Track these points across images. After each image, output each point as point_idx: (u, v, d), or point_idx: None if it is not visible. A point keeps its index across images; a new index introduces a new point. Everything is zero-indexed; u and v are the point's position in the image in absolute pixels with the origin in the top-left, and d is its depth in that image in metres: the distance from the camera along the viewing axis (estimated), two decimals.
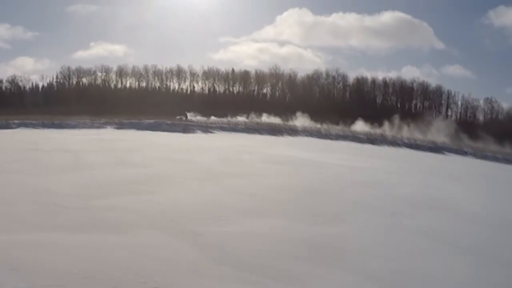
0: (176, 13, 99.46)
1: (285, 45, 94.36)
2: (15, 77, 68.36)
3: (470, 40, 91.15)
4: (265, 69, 75.09)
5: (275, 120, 46.83)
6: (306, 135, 31.45)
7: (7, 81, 68.06)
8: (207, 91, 74.67)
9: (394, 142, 33.93)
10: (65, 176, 9.45)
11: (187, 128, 27.37)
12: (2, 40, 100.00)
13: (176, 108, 53.46)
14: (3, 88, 68.01)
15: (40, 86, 70.63)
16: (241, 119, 46.32)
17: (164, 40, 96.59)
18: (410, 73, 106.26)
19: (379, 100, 78.93)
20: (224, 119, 44.66)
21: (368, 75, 76.86)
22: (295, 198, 8.72)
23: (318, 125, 39.68)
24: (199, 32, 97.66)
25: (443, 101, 78.82)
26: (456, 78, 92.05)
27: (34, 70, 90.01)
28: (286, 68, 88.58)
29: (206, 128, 28.22)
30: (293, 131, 31.67)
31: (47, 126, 27.43)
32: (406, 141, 35.82)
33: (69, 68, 67.31)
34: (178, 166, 11.61)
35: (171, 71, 70.57)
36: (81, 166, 11.05)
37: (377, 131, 42.55)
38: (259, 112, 52.12)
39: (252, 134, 29.71)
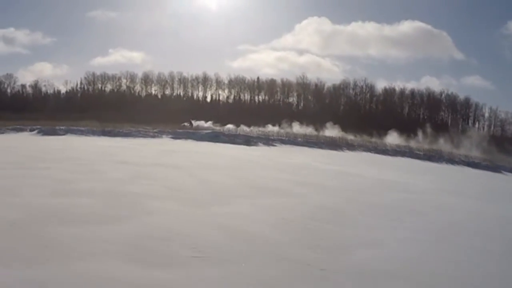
0: (195, 21, 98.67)
1: (303, 53, 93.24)
2: (37, 82, 67.13)
3: (490, 51, 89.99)
4: (285, 77, 73.80)
5: (307, 130, 45.24)
6: (364, 150, 29.48)
7: (30, 86, 66.86)
8: (232, 99, 73.18)
9: (451, 160, 31.93)
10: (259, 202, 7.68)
11: (249, 140, 25.51)
12: (21, 45, 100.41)
13: (200, 116, 52.14)
14: (26, 93, 66.67)
15: (63, 91, 69.37)
16: (274, 129, 44.72)
17: (183, 48, 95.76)
18: (429, 83, 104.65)
19: (406, 111, 77.35)
20: (261, 128, 43.03)
21: (396, 85, 75.14)
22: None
23: (370, 139, 37.83)
24: (217, 40, 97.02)
25: (470, 113, 77.11)
26: (476, 88, 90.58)
27: (53, 75, 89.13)
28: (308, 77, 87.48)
29: (267, 141, 26.37)
30: (349, 145, 29.76)
31: (97, 134, 25.73)
32: (463, 158, 33.92)
33: (93, 74, 65.94)
34: (330, 194, 9.78)
35: (196, 78, 69.12)
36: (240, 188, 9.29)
37: (411, 144, 40.75)
38: (286, 122, 50.44)
39: (311, 147, 27.79)
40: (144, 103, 66.04)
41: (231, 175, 11.25)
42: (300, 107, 74.60)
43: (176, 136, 25.77)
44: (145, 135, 25.22)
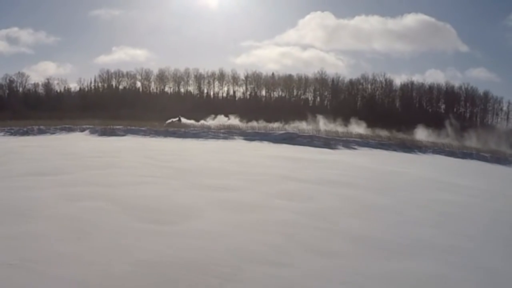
0: (198, 18, 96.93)
1: (307, 48, 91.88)
2: (49, 80, 64.69)
3: (494, 43, 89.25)
4: (303, 72, 72.50)
5: (331, 127, 43.63)
6: (433, 152, 27.30)
7: (43, 84, 64.39)
8: (248, 96, 71.52)
9: None
10: None
11: (329, 143, 23.61)
12: (25, 45, 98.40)
13: (216, 113, 50.38)
14: (38, 91, 64.20)
15: (76, 90, 66.98)
16: (302, 125, 42.97)
17: (186, 45, 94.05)
18: (434, 77, 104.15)
19: (424, 105, 76.48)
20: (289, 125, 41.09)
21: (414, 79, 74.16)
22: None
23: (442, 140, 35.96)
24: (221, 36, 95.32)
25: (489, 107, 76.47)
26: (481, 81, 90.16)
27: (56, 74, 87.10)
28: (308, 71, 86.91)
29: (346, 143, 24.44)
30: (417, 147, 27.84)
31: (160, 134, 23.88)
32: None
33: (108, 72, 63.71)
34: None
35: (213, 75, 67.28)
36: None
37: (444, 141, 39.27)
38: (307, 118, 48.83)
39: (386, 150, 25.52)
40: (159, 100, 64.15)
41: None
42: (316, 103, 73.27)
43: (247, 137, 23.88)
44: (215, 136, 23.38)
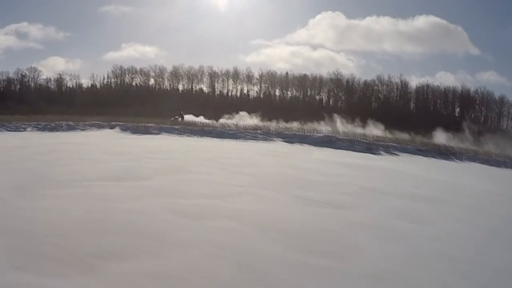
0: (208, 15, 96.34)
1: (317, 48, 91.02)
2: (61, 75, 63.75)
3: (506, 46, 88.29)
4: (317, 72, 71.69)
5: (349, 128, 42.58)
6: (468, 160, 25.91)
7: (55, 79, 63.45)
8: (261, 95, 70.63)
9: None
10: None
11: (370, 147, 22.46)
12: (34, 40, 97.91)
13: (230, 111, 49.40)
14: (50, 87, 63.29)
15: (86, 85, 66.06)
16: (319, 126, 41.81)
17: (196, 42, 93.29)
18: (444, 79, 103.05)
19: (439, 108, 75.57)
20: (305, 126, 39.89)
21: (429, 81, 73.26)
22: None
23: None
24: (231, 35, 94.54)
25: (504, 112, 75.48)
26: (491, 84, 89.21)
27: (65, 70, 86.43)
28: (319, 71, 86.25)
29: (386, 148, 23.18)
30: (452, 153, 26.54)
31: (196, 133, 22.87)
32: None
33: (121, 68, 62.75)
34: None
35: (227, 73, 66.35)
36: None
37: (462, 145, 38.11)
38: (323, 118, 47.85)
39: (425, 156, 24.21)
40: (173, 97, 63.24)
41: None
42: (331, 103, 72.40)
43: (286, 139, 22.80)
44: (254, 137, 22.33)
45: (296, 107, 66.52)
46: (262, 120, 44.24)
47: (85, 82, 65.38)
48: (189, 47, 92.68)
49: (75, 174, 9.18)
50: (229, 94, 68.66)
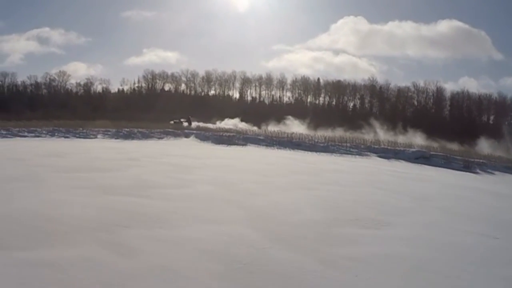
0: (230, 21, 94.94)
1: (339, 53, 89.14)
2: (89, 80, 62.16)
3: None
4: (351, 78, 69.95)
5: (389, 137, 40.44)
6: None
7: (80, 85, 61.83)
8: (294, 100, 68.87)
9: None
10: None
11: (468, 165, 20.09)
12: (56, 45, 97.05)
13: (266, 118, 47.55)
14: (79, 91, 61.70)
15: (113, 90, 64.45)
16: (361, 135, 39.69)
17: (217, 48, 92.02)
18: (467, 84, 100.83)
19: (473, 116, 73.36)
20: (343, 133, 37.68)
21: (464, 89, 71.18)
22: None
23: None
24: (252, 40, 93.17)
25: None
26: None
27: (86, 75, 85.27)
28: (340, 76, 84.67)
29: (480, 166, 20.93)
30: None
31: (284, 145, 20.90)
32: None
33: (152, 72, 61.12)
34: None
35: (259, 78, 64.60)
36: None
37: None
38: (360, 127, 45.77)
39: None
40: (205, 103, 61.53)
41: None
42: (364, 110, 70.43)
43: (380, 154, 20.76)
44: (347, 151, 20.36)
45: (329, 113, 64.70)
46: (308, 127, 42.30)
47: (112, 87, 63.85)
48: (210, 53, 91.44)
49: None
50: (262, 100, 66.91)
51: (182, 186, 8.75)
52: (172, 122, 33.66)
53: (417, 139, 38.96)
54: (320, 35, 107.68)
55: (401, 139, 38.44)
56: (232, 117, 48.14)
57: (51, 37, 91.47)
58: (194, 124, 35.94)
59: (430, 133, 43.43)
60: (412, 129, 43.49)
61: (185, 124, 35.87)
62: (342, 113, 65.46)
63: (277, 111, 60.49)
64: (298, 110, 64.27)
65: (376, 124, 45.37)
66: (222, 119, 46.33)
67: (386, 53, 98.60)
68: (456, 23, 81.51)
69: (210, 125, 37.44)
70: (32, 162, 12.05)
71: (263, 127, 39.70)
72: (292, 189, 9.72)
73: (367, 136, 38.34)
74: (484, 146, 39.39)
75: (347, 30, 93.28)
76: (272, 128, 38.14)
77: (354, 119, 56.67)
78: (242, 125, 40.74)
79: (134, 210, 6.34)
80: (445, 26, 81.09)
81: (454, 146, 37.47)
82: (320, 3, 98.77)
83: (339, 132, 38.71)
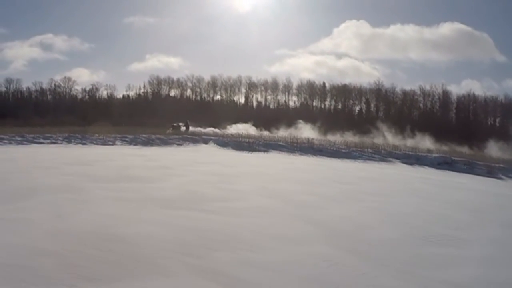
0: (232, 26, 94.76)
1: (342, 57, 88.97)
2: (94, 86, 61.68)
3: None
4: (358, 82, 69.79)
5: (397, 141, 40.01)
6: None
7: (85, 90, 61.34)
8: (299, 105, 68.50)
9: None
10: None
11: (491, 171, 19.71)
12: (59, 51, 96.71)
13: (268, 122, 47.17)
14: (84, 97, 61.23)
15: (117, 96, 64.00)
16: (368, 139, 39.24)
17: (220, 53, 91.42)
18: (470, 87, 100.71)
19: (479, 118, 73.10)
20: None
21: (472, 90, 70.91)
22: None
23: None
24: (254, 45, 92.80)
25: None
26: None
27: (89, 81, 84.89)
28: (344, 80, 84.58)
29: (502, 170, 20.52)
30: None
31: (306, 152, 20.44)
32: None
33: (157, 78, 60.74)
34: None
35: (265, 83, 64.27)
36: None
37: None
38: (367, 131, 45.37)
39: None
40: (212, 108, 61.15)
41: None
42: (371, 114, 70.16)
43: (403, 160, 20.36)
44: (370, 157, 19.91)
45: (336, 117, 64.36)
46: (319, 132, 41.80)
47: (119, 93, 63.41)
48: (213, 58, 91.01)
49: None
50: (268, 104, 66.55)
51: (236, 198, 8.31)
52: (170, 130, 32.92)
53: (425, 143, 38.56)
54: (323, 39, 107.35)
55: (409, 142, 38.12)
56: (239, 122, 47.69)
57: (54, 44, 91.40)
58: (193, 129, 35.55)
59: (437, 137, 43.14)
60: (420, 132, 43.14)
61: (183, 128, 35.40)
62: (348, 117, 65.09)
63: (283, 115, 60.14)
64: (304, 114, 64.06)
65: (384, 128, 45.01)
66: (230, 124, 45.92)
67: (389, 56, 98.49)
68: (458, 26, 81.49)
69: (216, 130, 37.08)
70: (63, 171, 11.60)
71: (275, 132, 39.30)
72: (343, 200, 9.30)
73: (376, 140, 37.99)
74: (493, 149, 38.91)
75: (350, 34, 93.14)
76: (283, 133, 37.73)
77: (361, 123, 56.43)
78: (253, 130, 40.32)
79: (207, 227, 5.91)
80: (447, 28, 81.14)
81: (464, 150, 37.14)
82: (322, 7, 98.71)
83: (349, 137, 38.40)
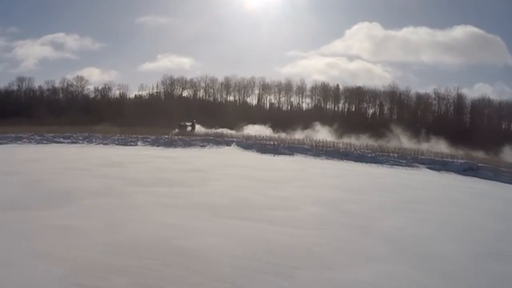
0: (244, 27, 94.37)
1: (354, 59, 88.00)
2: (106, 85, 61.65)
3: None
4: (372, 84, 69.05)
5: (410, 144, 39.32)
6: None
7: (98, 90, 61.32)
8: (312, 106, 68.00)
9: None
10: None
11: None
12: (70, 51, 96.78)
13: (281, 124, 46.63)
14: (97, 97, 61.25)
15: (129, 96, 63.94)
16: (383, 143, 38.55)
17: (231, 54, 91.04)
18: (482, 90, 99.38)
19: (494, 123, 72.07)
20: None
21: (487, 94, 69.95)
22: None
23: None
24: (266, 46, 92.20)
25: None
26: None
27: (101, 81, 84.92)
28: (355, 82, 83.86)
29: None
30: None
31: (331, 156, 19.99)
32: None
33: (171, 78, 60.60)
34: None
35: (279, 84, 63.86)
36: None
37: None
38: (380, 134, 44.64)
39: None
40: (224, 109, 60.87)
41: None
42: (384, 116, 69.43)
43: (429, 166, 19.78)
44: (396, 163, 19.38)
45: (349, 120, 63.80)
46: (335, 134, 41.25)
47: (129, 92, 63.33)
48: (224, 58, 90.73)
49: None
50: (280, 106, 66.16)
51: (287, 206, 7.95)
52: (177, 129, 32.46)
53: (440, 147, 37.87)
54: (334, 41, 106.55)
55: (424, 146, 37.45)
56: (251, 123, 47.29)
57: (65, 43, 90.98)
58: (200, 129, 35.24)
59: (452, 141, 42.38)
60: (435, 136, 42.47)
61: (189, 128, 35.12)
62: (361, 120, 64.54)
63: (296, 117, 59.68)
64: (318, 116, 63.58)
65: (398, 131, 44.38)
66: (245, 125, 45.55)
67: (401, 59, 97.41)
68: (471, 29, 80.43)
69: (229, 131, 36.72)
70: (96, 173, 11.34)
71: (291, 134, 38.86)
72: (391, 210, 8.91)
73: (390, 143, 37.38)
74: (509, 154, 38.17)
75: (362, 36, 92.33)
76: (299, 135, 37.29)
77: (374, 125, 55.75)
78: (269, 132, 39.94)
79: (276, 240, 5.55)
80: (460, 31, 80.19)
81: (479, 155, 36.37)
82: (334, 9, 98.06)
83: (364, 140, 37.83)
